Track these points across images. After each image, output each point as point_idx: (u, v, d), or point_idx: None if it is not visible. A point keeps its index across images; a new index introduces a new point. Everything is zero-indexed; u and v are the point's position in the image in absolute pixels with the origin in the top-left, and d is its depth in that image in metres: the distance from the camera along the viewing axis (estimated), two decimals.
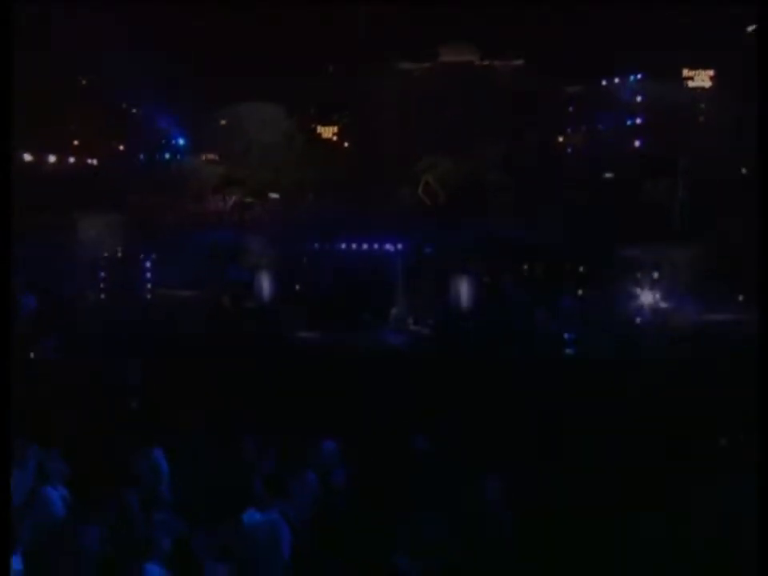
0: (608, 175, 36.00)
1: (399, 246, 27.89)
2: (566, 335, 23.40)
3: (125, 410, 14.00)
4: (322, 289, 27.23)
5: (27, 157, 36.92)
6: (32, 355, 18.39)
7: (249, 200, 38.20)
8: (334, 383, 16.23)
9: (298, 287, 28.09)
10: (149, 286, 27.44)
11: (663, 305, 26.22)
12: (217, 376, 16.01)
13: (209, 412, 12.90)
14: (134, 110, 41.37)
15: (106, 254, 27.80)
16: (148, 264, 27.76)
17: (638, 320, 25.72)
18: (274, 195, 39.01)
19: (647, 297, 26.28)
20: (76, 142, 39.97)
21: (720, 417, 13.68)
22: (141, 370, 16.22)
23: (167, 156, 42.36)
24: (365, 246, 27.90)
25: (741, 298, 24.77)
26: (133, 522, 8.25)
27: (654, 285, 26.46)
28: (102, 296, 26.76)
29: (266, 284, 27.16)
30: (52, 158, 38.92)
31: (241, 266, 28.64)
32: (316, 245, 28.98)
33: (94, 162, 40.23)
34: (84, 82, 39.99)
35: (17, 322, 18.74)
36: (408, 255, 27.93)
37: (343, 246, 28.18)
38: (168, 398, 13.99)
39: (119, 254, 28.18)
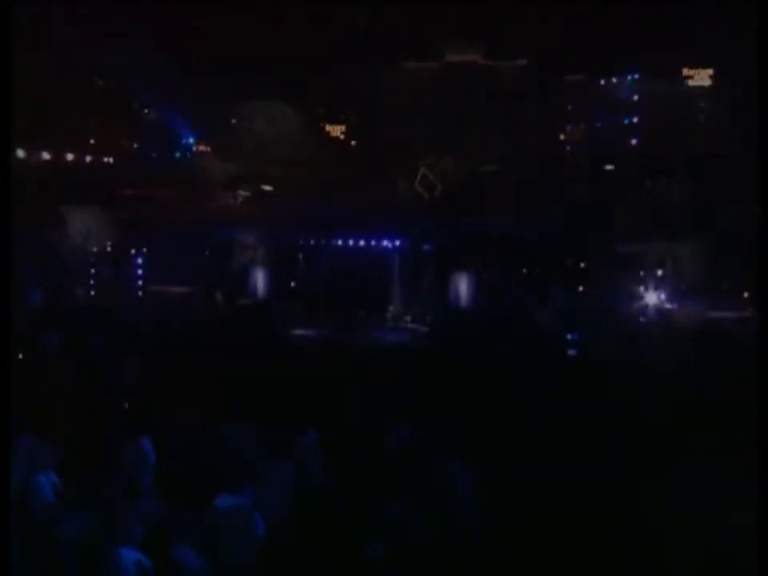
0: (608, 171, 36.03)
1: (397, 243, 27.96)
2: (564, 331, 23.43)
3: (116, 401, 14.27)
4: (319, 285, 27.33)
5: (34, 155, 37.23)
6: (33, 351, 18.62)
7: (250, 195, 38.40)
8: (326, 378, 16.45)
9: (293, 284, 28.25)
10: (151, 282, 27.63)
11: (664, 301, 26.23)
12: (211, 370, 16.21)
13: (199, 402, 13.17)
14: (146, 110, 41.73)
15: (109, 251, 28.06)
16: (152, 261, 27.96)
17: (639, 317, 25.75)
18: (281, 192, 39.18)
19: (648, 294, 26.29)
20: (81, 141, 40.23)
21: (721, 416, 13.85)
22: (136, 364, 16.48)
23: (177, 154, 42.62)
24: (362, 243, 27.97)
25: (746, 294, 24.83)
26: (117, 508, 8.54)
27: (655, 282, 26.48)
28: (102, 292, 26.99)
29: (264, 280, 27.35)
30: (56, 157, 39.19)
31: (242, 262, 28.80)
32: (318, 241, 29.01)
33: (105, 160, 40.50)
34: (97, 82, 40.30)
35: (24, 317, 19.06)
36: (406, 252, 28.01)
37: (340, 242, 28.25)
38: (159, 390, 14.27)
39: (123, 252, 28.36)
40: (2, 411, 7.26)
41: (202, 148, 43.36)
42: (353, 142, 44.22)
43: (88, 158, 39.25)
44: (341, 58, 37.95)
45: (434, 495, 10.10)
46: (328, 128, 44.77)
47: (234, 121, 42.51)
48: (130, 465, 10.08)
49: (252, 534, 8.14)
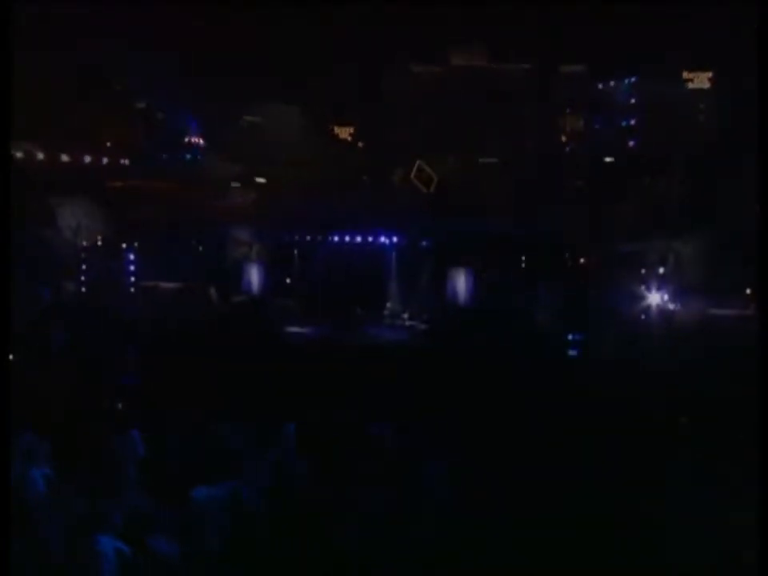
0: (608, 171, 36.20)
1: (395, 240, 27.89)
2: (563, 331, 23.39)
3: (109, 397, 14.29)
4: (317, 282, 27.27)
5: (34, 154, 37.32)
6: (30, 349, 18.60)
7: (251, 193, 38.53)
8: (323, 376, 16.44)
9: (289, 280, 28.24)
10: (149, 279, 27.62)
11: (666, 301, 26.18)
12: (207, 367, 16.18)
13: (195, 399, 13.19)
14: (147, 109, 41.94)
15: (106, 248, 28.05)
16: (151, 258, 27.96)
17: (640, 316, 25.70)
18: (280, 189, 39.27)
19: (649, 293, 26.23)
20: (79, 140, 40.32)
21: (721, 416, 13.86)
22: (132, 361, 16.50)
23: (179, 153, 42.76)
24: (359, 239, 27.90)
25: (748, 291, 24.85)
26: (102, 499, 8.61)
27: (656, 281, 26.42)
28: (100, 290, 27.00)
29: (262, 277, 27.37)
30: (54, 156, 39.28)
31: (242, 259, 28.81)
32: (315, 237, 28.94)
33: (104, 159, 40.59)
34: (96, 82, 40.43)
35: (24, 316, 19.08)
36: (404, 249, 27.94)
37: (337, 239, 28.18)
38: (154, 386, 14.28)
39: (121, 249, 28.34)
40: (1, 410, 7.31)
41: (202, 147, 43.51)
42: (360, 144, 44.53)
43: (86, 157, 39.32)
44: (343, 59, 38.15)
45: (426, 494, 10.10)
46: (331, 128, 45.05)
47: (235, 120, 42.68)
48: (119, 457, 10.15)
49: (227, 524, 8.19)
